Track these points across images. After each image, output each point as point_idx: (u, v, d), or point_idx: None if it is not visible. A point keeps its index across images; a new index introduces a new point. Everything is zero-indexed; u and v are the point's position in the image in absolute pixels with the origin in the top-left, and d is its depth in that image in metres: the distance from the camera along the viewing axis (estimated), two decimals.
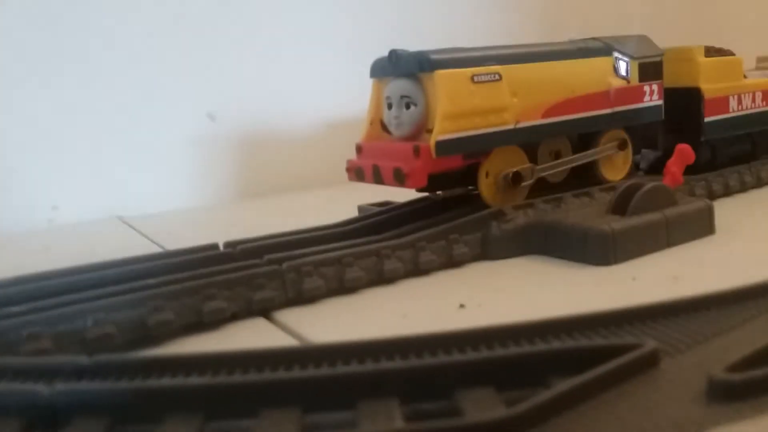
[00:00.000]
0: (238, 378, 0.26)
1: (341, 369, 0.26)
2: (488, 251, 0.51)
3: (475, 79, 0.52)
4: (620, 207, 0.51)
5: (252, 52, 0.88)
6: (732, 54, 0.70)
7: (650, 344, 0.25)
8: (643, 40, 0.63)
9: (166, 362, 0.28)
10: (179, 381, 0.26)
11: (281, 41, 0.89)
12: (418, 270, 0.48)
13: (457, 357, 0.26)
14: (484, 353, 0.26)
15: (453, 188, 0.58)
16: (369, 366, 0.26)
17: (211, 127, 0.85)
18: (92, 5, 0.79)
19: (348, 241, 0.50)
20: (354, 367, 0.26)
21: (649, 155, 0.68)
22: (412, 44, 0.56)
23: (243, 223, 0.67)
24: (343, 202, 0.67)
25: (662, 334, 0.28)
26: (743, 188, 0.68)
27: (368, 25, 0.92)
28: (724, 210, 0.61)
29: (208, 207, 0.82)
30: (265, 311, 0.41)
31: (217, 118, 0.87)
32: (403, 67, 0.53)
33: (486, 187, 0.54)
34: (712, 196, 0.65)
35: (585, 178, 0.61)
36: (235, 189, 0.86)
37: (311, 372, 0.26)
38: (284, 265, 0.43)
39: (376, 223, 0.55)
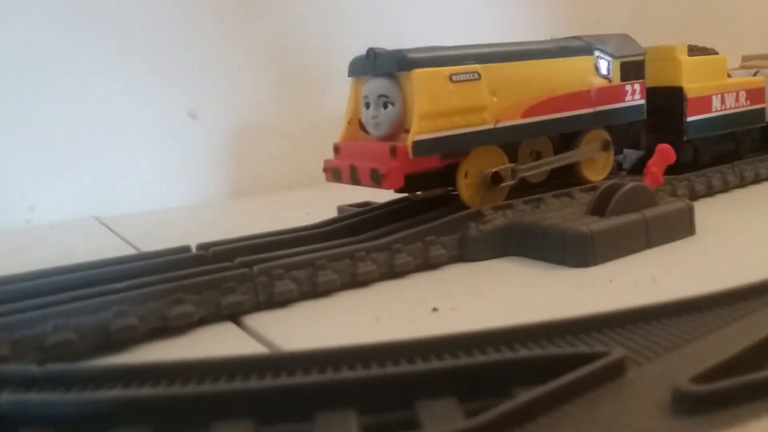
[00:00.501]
0: (190, 389, 0.25)
1: (298, 379, 0.25)
2: (466, 253, 0.51)
3: (454, 78, 0.51)
4: (600, 208, 0.50)
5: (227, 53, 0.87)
6: (716, 53, 0.69)
7: (617, 353, 0.24)
8: (625, 39, 0.63)
9: (119, 372, 0.27)
10: (130, 392, 0.25)
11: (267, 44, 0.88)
12: (393, 272, 0.47)
13: (418, 366, 0.25)
14: (445, 363, 0.25)
15: (433, 189, 0.57)
16: (327, 376, 0.26)
17: (191, 126, 0.84)
18: (67, 3, 0.78)
19: (323, 243, 0.49)
20: (311, 377, 0.25)
21: (631, 155, 0.68)
22: (394, 43, 0.55)
23: (221, 224, 0.67)
24: (324, 203, 0.66)
25: (632, 341, 0.27)
26: (726, 188, 0.67)
27: (351, 24, 0.91)
28: (707, 210, 0.61)
29: (188, 207, 0.81)
30: (235, 316, 0.41)
31: (198, 117, 0.86)
32: (381, 66, 0.52)
33: (465, 187, 0.54)
34: (695, 196, 0.64)
35: (566, 178, 0.60)
36: (216, 189, 0.85)
37: (266, 382, 0.25)
38: (255, 269, 0.42)
39: (354, 224, 0.54)
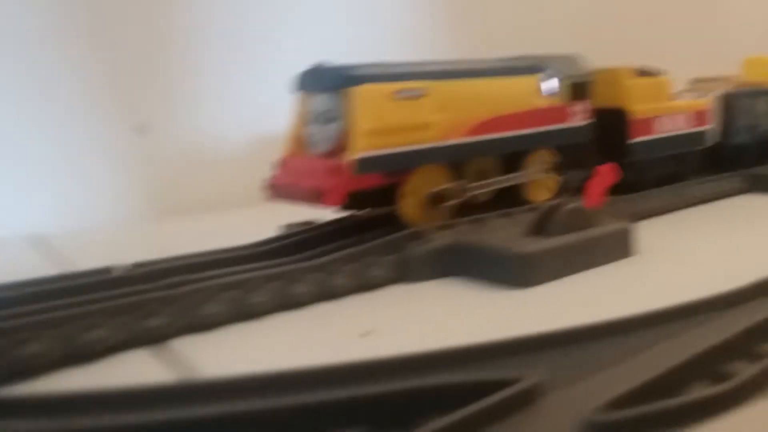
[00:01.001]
0: (82, 422, 0.23)
1: (197, 411, 0.24)
2: (406, 274, 0.50)
3: (398, 95, 0.51)
4: (540, 228, 0.50)
5: (179, 65, 0.85)
6: (661, 74, 0.70)
7: (529, 379, 0.24)
8: (572, 59, 0.63)
9: (13, 403, 0.25)
10: (27, 425, 0.24)
11: (207, 54, 0.87)
12: (329, 294, 0.46)
13: (324, 396, 0.24)
14: (353, 392, 0.24)
15: (379, 207, 0.56)
16: (234, 407, 0.24)
17: (136, 141, 0.82)
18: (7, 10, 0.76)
19: (258, 263, 0.48)
20: (212, 409, 0.24)
21: (577, 175, 0.68)
22: (342, 59, 0.54)
23: (161, 242, 0.64)
24: (270, 221, 0.65)
25: (551, 365, 0.27)
26: (669, 209, 0.68)
27: (300, 39, 0.90)
28: (648, 231, 0.61)
29: (131, 224, 0.79)
30: (157, 340, 0.39)
31: (145, 132, 0.84)
32: (325, 82, 0.52)
33: (408, 206, 0.53)
34: (638, 216, 0.64)
35: (511, 198, 0.60)
36: (161, 206, 0.83)
37: (158, 415, 0.23)
38: (180, 290, 0.40)
39: (293, 243, 0.53)
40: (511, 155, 0.60)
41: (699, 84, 0.86)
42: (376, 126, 0.50)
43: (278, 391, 0.26)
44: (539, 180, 0.61)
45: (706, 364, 0.26)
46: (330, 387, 0.26)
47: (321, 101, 0.52)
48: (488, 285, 0.48)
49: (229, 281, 0.42)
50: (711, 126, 0.75)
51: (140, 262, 0.47)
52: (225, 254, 0.50)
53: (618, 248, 0.52)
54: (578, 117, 0.62)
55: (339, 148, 0.51)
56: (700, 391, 0.22)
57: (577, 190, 0.68)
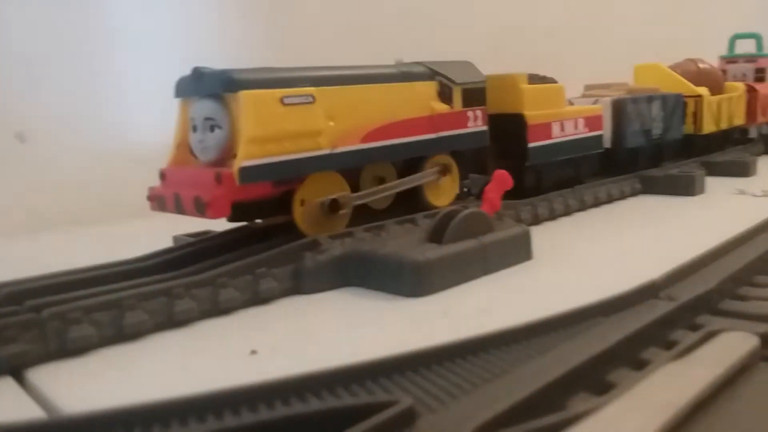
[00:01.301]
0: None
1: None
2: (301, 285, 0.48)
3: (286, 101, 0.49)
4: (437, 235, 0.49)
5: (59, 70, 0.80)
6: (555, 81, 0.71)
7: (405, 401, 0.22)
8: (467, 66, 0.63)
9: None
10: None
11: (96, 57, 0.82)
12: (217, 310, 0.43)
13: (201, 428, 0.22)
14: (224, 423, 0.22)
15: (272, 216, 0.54)
16: None
17: (16, 149, 0.76)
18: None
19: (139, 279, 0.44)
20: None
21: (478, 180, 0.68)
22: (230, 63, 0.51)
23: (38, 259, 0.59)
24: (163, 233, 0.61)
25: (432, 384, 0.26)
26: (568, 212, 0.69)
27: (189, 41, 0.87)
28: (548, 234, 0.62)
29: (8, 238, 0.73)
30: (18, 369, 0.35)
31: (26, 140, 0.78)
32: (207, 87, 0.49)
33: (301, 215, 0.51)
34: (538, 220, 0.65)
35: (411, 204, 0.59)
36: (42, 218, 0.77)
37: None
38: (45, 312, 0.37)
39: (180, 257, 0.50)
40: (410, 162, 0.59)
41: (592, 90, 0.88)
42: (264, 133, 0.47)
43: (145, 425, 0.23)
44: (438, 185, 0.60)
45: (588, 374, 0.25)
46: (202, 418, 0.24)
47: (203, 108, 0.49)
48: (384, 295, 0.46)
49: (102, 301, 0.39)
50: (604, 131, 0.77)
51: (3, 282, 0.43)
52: (103, 270, 0.46)
53: (516, 252, 0.52)
54: (475, 122, 0.62)
55: (225, 156, 0.49)
56: (579, 405, 0.21)
57: (479, 194, 0.68)
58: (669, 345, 0.31)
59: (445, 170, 0.60)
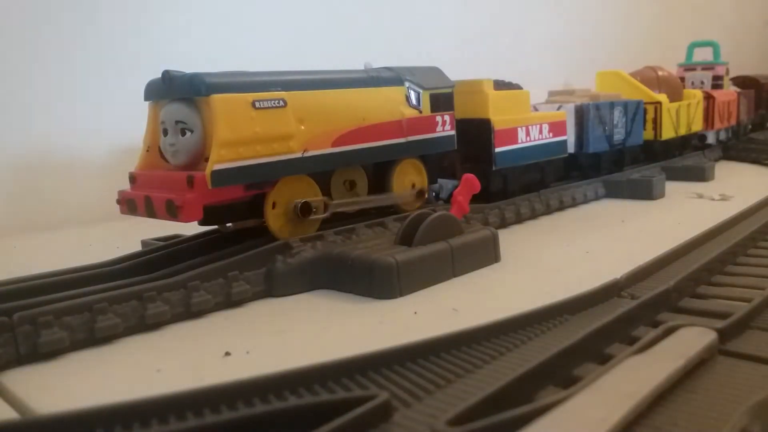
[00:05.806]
0: None
1: None
2: (273, 288, 0.48)
3: (257, 104, 0.49)
4: (407, 238, 0.50)
5: (28, 74, 0.79)
6: (520, 87, 0.73)
7: (381, 396, 0.23)
8: (435, 71, 0.64)
9: None
10: None
11: (64, 59, 0.81)
12: (189, 313, 0.44)
13: (181, 425, 0.22)
14: (205, 419, 0.23)
15: (244, 220, 0.54)
16: None
17: None
18: None
19: (111, 282, 0.44)
20: None
21: (447, 184, 0.69)
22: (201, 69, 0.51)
23: (5, 263, 0.59)
24: (129, 237, 0.61)
25: (407, 380, 0.26)
26: (534, 215, 0.71)
27: (167, 45, 0.87)
28: (515, 236, 0.63)
29: None
30: None
31: None
32: (177, 90, 0.49)
33: (273, 218, 0.51)
34: (505, 223, 0.67)
35: (381, 207, 0.60)
36: (10, 221, 0.76)
37: None
38: (16, 316, 0.36)
39: (152, 260, 0.50)
40: (380, 165, 0.60)
41: (556, 96, 0.90)
42: (235, 136, 0.48)
43: (125, 424, 0.23)
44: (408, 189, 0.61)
45: (555, 369, 0.26)
46: (182, 415, 0.24)
47: (174, 111, 0.49)
48: (355, 297, 0.47)
49: (73, 304, 0.39)
50: (568, 136, 0.79)
51: None
52: (74, 274, 0.46)
53: (485, 255, 0.53)
54: (443, 127, 0.63)
55: (196, 159, 0.49)
56: (546, 397, 0.22)
57: (448, 198, 0.70)
58: (631, 340, 0.32)
59: (420, 193, 0.62)
